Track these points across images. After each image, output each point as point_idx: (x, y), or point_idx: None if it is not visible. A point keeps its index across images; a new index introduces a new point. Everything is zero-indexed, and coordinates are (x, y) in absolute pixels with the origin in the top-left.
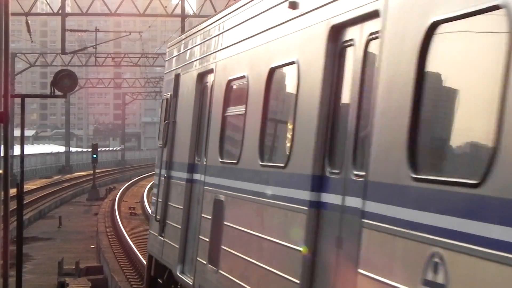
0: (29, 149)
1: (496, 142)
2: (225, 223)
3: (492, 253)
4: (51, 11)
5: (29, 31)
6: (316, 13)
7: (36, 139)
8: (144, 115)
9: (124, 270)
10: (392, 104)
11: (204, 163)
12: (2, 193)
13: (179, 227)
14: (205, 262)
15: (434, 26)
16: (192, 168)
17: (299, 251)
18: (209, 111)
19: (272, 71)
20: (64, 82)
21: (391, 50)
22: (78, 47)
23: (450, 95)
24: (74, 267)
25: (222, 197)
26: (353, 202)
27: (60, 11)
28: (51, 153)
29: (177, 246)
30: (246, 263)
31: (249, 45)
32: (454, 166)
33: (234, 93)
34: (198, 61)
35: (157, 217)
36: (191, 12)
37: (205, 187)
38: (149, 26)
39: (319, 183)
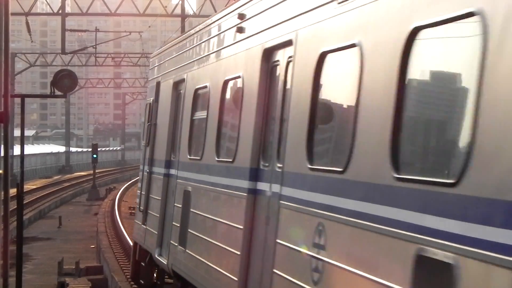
0: (29, 149)
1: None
2: (191, 210)
3: (350, 219)
4: (51, 11)
5: (29, 31)
6: (255, 38)
7: (36, 139)
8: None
9: (124, 270)
10: (298, 112)
11: (177, 159)
12: (2, 193)
13: (158, 215)
14: (176, 244)
15: (323, 55)
16: (168, 164)
17: (240, 228)
18: (182, 115)
19: (226, 82)
20: (64, 82)
21: (298, 71)
22: (78, 47)
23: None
24: (74, 267)
25: (189, 188)
26: (275, 188)
27: (60, 11)
28: (51, 153)
29: (156, 232)
30: (206, 242)
31: (210, 60)
32: (327, 158)
33: (199, 100)
34: (174, 71)
35: (141, 208)
36: (191, 12)
37: (177, 180)
38: (149, 26)
39: (255, 175)
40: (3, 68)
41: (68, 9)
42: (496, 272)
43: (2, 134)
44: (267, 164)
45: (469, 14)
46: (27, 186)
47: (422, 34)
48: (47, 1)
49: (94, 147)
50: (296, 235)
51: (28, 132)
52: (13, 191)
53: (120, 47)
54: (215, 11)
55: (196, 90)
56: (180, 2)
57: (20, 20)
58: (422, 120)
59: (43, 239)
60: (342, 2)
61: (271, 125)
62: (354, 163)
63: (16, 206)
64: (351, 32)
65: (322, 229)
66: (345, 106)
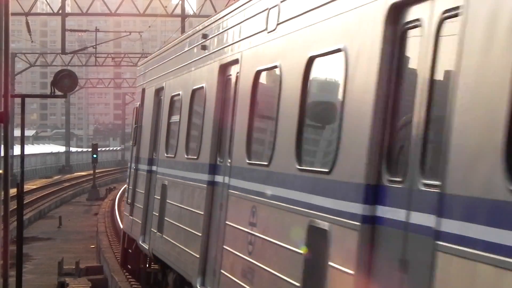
0: (29, 149)
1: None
2: (167, 201)
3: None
4: (51, 11)
5: (29, 31)
6: (214, 55)
7: (36, 139)
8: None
9: (124, 270)
10: (241, 118)
11: (157, 157)
12: (2, 193)
13: (141, 207)
14: (155, 231)
15: (258, 72)
16: (151, 161)
17: (201, 214)
18: (161, 118)
19: (193, 91)
20: (64, 82)
21: (242, 84)
22: (78, 47)
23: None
24: (74, 267)
25: (166, 182)
26: (226, 180)
27: (60, 11)
28: (51, 153)
29: (140, 222)
30: (177, 227)
31: (183, 71)
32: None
33: (174, 106)
34: (156, 79)
35: (129, 201)
36: (191, 12)
37: (157, 175)
38: (149, 26)
39: (213, 169)
40: (3, 68)
41: (68, 9)
42: (349, 232)
43: (2, 134)
44: (221, 160)
45: (338, 50)
46: (27, 186)
47: (315, 61)
48: (47, 1)
49: (94, 147)
50: (238, 216)
51: (28, 132)
52: (13, 191)
53: (120, 47)
54: (215, 11)
55: (172, 97)
56: (180, 2)
57: (20, 20)
58: (313, 127)
59: (43, 239)
60: (270, 31)
61: (225, 128)
62: (275, 159)
63: (16, 206)
64: (275, 55)
65: (255, 211)
66: (270, 114)
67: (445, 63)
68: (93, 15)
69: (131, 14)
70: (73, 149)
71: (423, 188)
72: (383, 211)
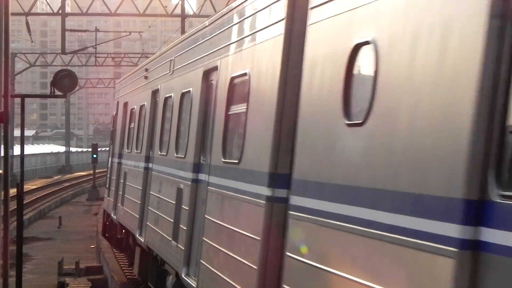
0: (29, 149)
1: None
2: (126, 183)
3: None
4: (51, 11)
5: (29, 31)
6: (147, 85)
7: (36, 139)
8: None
9: (124, 270)
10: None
11: (124, 152)
12: (2, 193)
13: (114, 189)
14: (120, 205)
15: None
16: (120, 155)
17: (187, 209)
18: (127, 123)
19: (141, 107)
20: (64, 82)
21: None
22: (78, 47)
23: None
24: (74, 267)
25: (126, 170)
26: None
27: (60, 11)
28: (51, 153)
29: (112, 200)
30: (131, 202)
31: (141, 89)
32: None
33: (134, 115)
34: (125, 95)
35: (107, 186)
36: (191, 12)
37: (122, 165)
38: (149, 26)
39: (197, 167)
40: (3, 68)
41: (68, 9)
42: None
43: (2, 134)
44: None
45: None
46: (27, 186)
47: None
48: (47, 1)
49: (94, 147)
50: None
51: (28, 132)
52: (13, 191)
53: (120, 47)
54: (215, 11)
55: (132, 109)
56: (180, 2)
57: (20, 20)
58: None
59: (43, 239)
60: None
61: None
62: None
63: (16, 206)
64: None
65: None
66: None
67: None
68: (93, 15)
69: (131, 14)
70: (73, 149)
71: None
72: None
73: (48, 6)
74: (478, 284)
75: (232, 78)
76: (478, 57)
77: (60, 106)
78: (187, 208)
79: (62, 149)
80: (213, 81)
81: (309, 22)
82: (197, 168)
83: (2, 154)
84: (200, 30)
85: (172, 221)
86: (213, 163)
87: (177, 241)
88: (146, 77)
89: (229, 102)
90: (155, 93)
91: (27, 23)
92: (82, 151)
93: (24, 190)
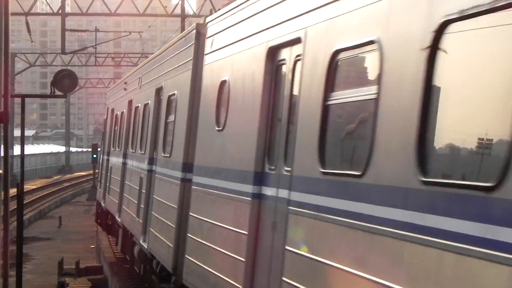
0: (29, 149)
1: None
2: (112, 175)
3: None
4: (51, 11)
5: (29, 31)
6: (125, 95)
7: (36, 139)
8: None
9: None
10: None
11: (110, 150)
12: (2, 193)
13: (103, 182)
14: (108, 195)
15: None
16: (108, 153)
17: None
18: (113, 127)
19: (122, 113)
20: (64, 82)
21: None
22: (78, 47)
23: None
24: (74, 267)
25: (111, 165)
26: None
27: (60, 11)
28: (51, 153)
29: (102, 191)
30: (115, 192)
31: (121, 99)
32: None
33: (118, 119)
34: (112, 102)
35: (99, 179)
36: (191, 12)
37: (108, 162)
38: (149, 26)
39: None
40: (3, 68)
41: (68, 9)
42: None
43: (2, 134)
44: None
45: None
46: (27, 186)
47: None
48: (47, 1)
49: (94, 147)
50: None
51: (28, 132)
52: (13, 191)
53: (120, 47)
54: (215, 11)
55: (116, 114)
56: (180, 2)
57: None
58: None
59: (43, 239)
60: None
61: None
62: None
63: (16, 206)
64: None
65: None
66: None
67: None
68: (93, 15)
69: (131, 14)
70: (73, 149)
71: None
72: None
73: (48, 6)
74: None
75: (169, 96)
76: None
77: (60, 106)
78: (144, 191)
79: (62, 149)
80: (161, 97)
81: (204, 63)
82: (151, 161)
83: (2, 154)
84: (153, 58)
85: (136, 202)
86: (158, 157)
87: (139, 216)
88: (125, 89)
89: (168, 112)
90: (130, 102)
91: (27, 23)
92: (82, 151)
93: (24, 190)
